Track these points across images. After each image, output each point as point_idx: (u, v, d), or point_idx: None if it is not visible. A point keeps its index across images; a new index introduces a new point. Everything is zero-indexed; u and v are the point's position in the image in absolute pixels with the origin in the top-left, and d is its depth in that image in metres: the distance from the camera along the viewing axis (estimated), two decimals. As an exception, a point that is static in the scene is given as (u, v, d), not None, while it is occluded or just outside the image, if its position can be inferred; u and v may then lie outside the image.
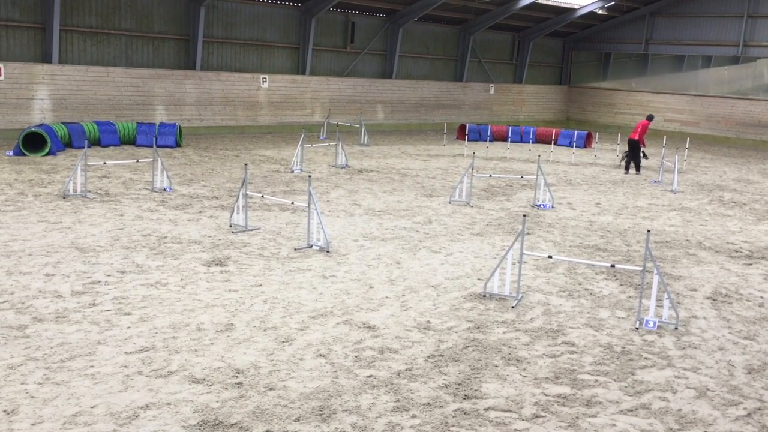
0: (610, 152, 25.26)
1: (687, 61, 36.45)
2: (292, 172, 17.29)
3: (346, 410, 5.62)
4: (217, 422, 5.34)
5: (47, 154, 17.48)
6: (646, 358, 6.98)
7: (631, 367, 6.77)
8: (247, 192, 11.28)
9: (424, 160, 21.21)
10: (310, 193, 10.25)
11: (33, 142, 17.64)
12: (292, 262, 9.67)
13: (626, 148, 20.67)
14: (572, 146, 25.18)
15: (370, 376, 6.25)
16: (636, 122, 24.72)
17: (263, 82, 25.81)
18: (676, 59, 36.68)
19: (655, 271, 7.77)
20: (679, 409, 5.94)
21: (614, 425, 5.62)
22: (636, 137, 19.98)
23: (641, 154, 20.30)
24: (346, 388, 5.99)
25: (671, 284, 9.48)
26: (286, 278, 8.95)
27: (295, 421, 5.41)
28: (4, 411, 5.35)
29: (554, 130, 27.21)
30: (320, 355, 6.66)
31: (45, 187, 13.83)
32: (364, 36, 29.05)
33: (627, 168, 20.44)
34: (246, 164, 11.56)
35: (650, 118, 20.55)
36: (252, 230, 11.27)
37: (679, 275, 10.05)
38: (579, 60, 39.00)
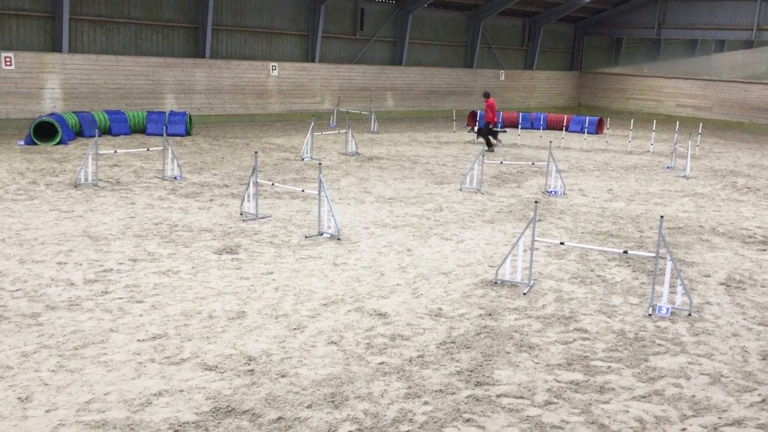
0: (622, 138, 25.08)
1: (700, 45, 36.06)
2: (302, 159, 17.27)
3: (358, 397, 5.62)
4: (229, 409, 5.35)
5: (58, 143, 17.53)
6: (659, 345, 6.94)
7: (644, 353, 6.73)
8: (258, 180, 11.27)
9: (435, 147, 21.13)
10: (320, 181, 10.23)
11: (44, 131, 17.69)
12: (303, 250, 9.67)
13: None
14: (584, 132, 25.01)
15: (381, 363, 6.25)
16: (645, 108, 24.59)
17: (273, 69, 25.75)
18: (688, 44, 36.30)
19: (668, 257, 7.72)
20: (693, 396, 5.91)
21: (627, 411, 5.59)
22: (487, 118, 20.53)
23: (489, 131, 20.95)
24: (358, 375, 5.99)
25: (684, 270, 9.41)
26: (297, 266, 8.95)
27: (307, 407, 5.42)
28: (18, 398, 5.38)
29: (565, 117, 27.03)
30: (332, 342, 6.66)
31: (56, 176, 13.88)
32: (373, 23, 28.90)
33: (489, 145, 20.66)
34: (256, 152, 11.54)
35: (486, 95, 20.99)
36: (263, 218, 11.27)
37: (692, 261, 9.98)
38: (590, 45, 38.66)
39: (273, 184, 12.19)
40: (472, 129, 22.05)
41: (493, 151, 20.38)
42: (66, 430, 4.98)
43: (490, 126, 20.88)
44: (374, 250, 9.81)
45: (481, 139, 21.46)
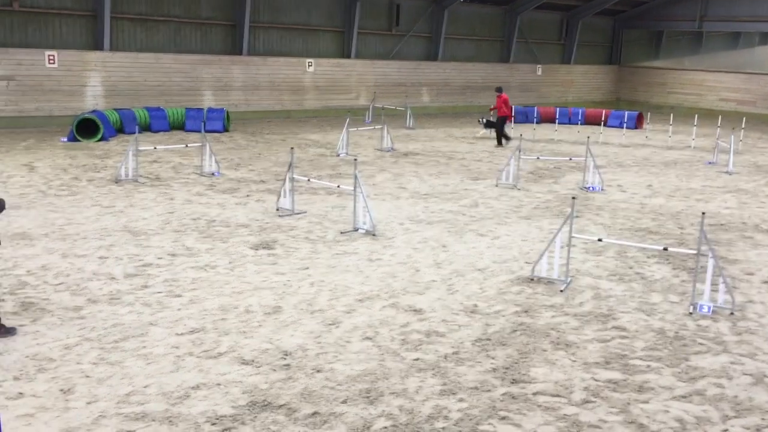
0: (662, 133, 24.63)
1: (743, 38, 35.17)
2: (338, 155, 17.32)
3: (393, 393, 5.62)
4: (266, 403, 5.40)
5: (100, 140, 17.87)
6: (700, 344, 6.81)
7: (684, 352, 6.60)
8: (294, 176, 11.34)
9: (470, 142, 21.02)
10: (356, 177, 10.25)
11: (86, 128, 18.05)
12: (338, 246, 9.70)
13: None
14: (623, 127, 24.63)
15: (417, 359, 6.24)
16: (686, 102, 24.11)
17: (309, 66, 25.87)
18: (731, 36, 35.45)
19: (710, 255, 7.56)
20: (735, 396, 5.78)
21: (667, 411, 5.50)
22: (502, 113, 20.19)
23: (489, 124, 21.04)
24: (393, 371, 5.99)
25: (726, 268, 9.20)
26: (333, 261, 8.98)
27: (342, 403, 5.44)
28: (61, 390, 5.50)
29: (604, 111, 26.64)
30: (367, 337, 6.68)
31: (98, 172, 14.14)
32: (409, 18, 28.82)
33: (500, 141, 20.30)
34: (292, 148, 11.61)
35: (499, 90, 20.50)
36: (299, 214, 11.34)
37: (734, 259, 9.76)
38: (630, 39, 38.00)
39: (309, 180, 12.26)
40: (480, 120, 21.96)
41: (503, 145, 20.10)
42: (107, 422, 5.08)
43: (507, 121, 20.72)
44: (409, 246, 9.80)
45: (492, 131, 21.36)
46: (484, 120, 21.63)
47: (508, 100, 20.34)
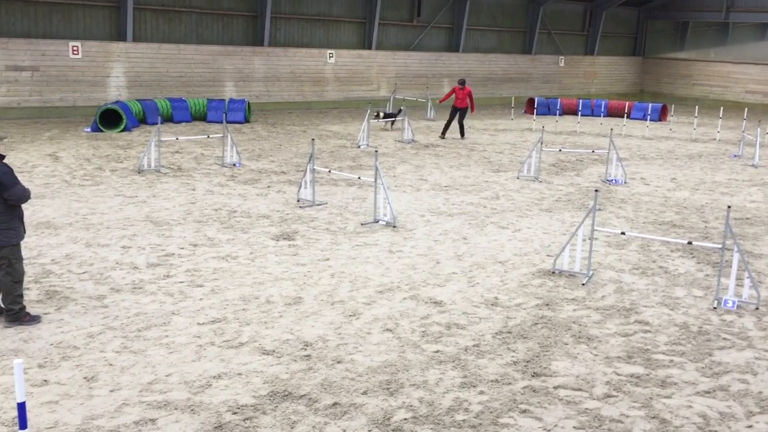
0: (686, 125, 24.32)
1: (771, 29, 34.55)
2: (359, 147, 17.31)
3: (413, 385, 5.61)
4: (286, 393, 5.42)
5: (123, 130, 18.00)
6: (724, 339, 6.72)
7: (708, 347, 6.53)
8: (315, 167, 11.35)
9: (492, 134, 20.90)
10: (376, 168, 10.23)
11: (109, 118, 18.19)
12: (358, 237, 9.70)
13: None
14: (646, 119, 24.34)
15: (437, 352, 6.23)
16: (712, 94, 23.65)
17: (330, 57, 25.84)
18: (759, 27, 34.85)
19: (735, 249, 7.45)
20: (760, 392, 5.71)
21: (690, 407, 5.44)
22: (465, 105, 19.43)
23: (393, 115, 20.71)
24: (413, 363, 5.99)
25: (752, 262, 9.08)
26: (353, 253, 8.99)
27: (362, 394, 5.44)
28: (85, 378, 5.56)
29: (627, 103, 26.34)
30: (387, 329, 6.68)
31: (121, 162, 14.26)
32: (430, 9, 28.67)
33: (443, 134, 19.72)
34: (313, 139, 11.62)
35: (462, 82, 19.71)
36: (319, 205, 11.35)
37: (760, 253, 9.62)
38: (654, 30, 37.50)
39: (330, 171, 12.27)
40: (377, 113, 21.21)
41: (444, 138, 19.57)
42: (129, 409, 5.13)
43: (472, 113, 20.31)
44: (430, 238, 9.77)
45: (385, 123, 20.99)
46: (381, 113, 21.14)
47: (471, 92, 19.76)
